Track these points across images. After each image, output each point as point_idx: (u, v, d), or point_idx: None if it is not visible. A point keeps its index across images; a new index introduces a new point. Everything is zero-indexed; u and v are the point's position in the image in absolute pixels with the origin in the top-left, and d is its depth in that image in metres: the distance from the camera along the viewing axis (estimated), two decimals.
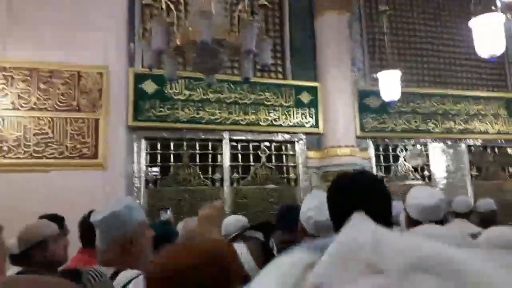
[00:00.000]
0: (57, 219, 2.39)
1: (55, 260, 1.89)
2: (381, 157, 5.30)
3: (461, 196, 3.75)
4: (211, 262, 0.79)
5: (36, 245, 1.84)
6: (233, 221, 2.89)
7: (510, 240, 1.19)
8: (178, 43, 2.42)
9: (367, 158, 5.06)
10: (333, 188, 1.16)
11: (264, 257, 1.21)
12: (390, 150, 5.36)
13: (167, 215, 3.89)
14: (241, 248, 1.15)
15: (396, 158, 5.35)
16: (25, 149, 3.67)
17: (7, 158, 3.63)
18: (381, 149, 5.33)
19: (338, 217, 1.10)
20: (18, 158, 3.65)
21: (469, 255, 0.27)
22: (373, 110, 5.19)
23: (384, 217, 1.05)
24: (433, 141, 5.49)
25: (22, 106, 3.74)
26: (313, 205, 1.49)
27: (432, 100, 5.51)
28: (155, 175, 4.31)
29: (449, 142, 5.58)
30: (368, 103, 5.16)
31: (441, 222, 1.60)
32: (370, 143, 5.21)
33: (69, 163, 3.76)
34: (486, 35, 2.91)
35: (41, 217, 2.57)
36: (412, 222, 1.63)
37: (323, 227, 1.41)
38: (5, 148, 3.63)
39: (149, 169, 4.27)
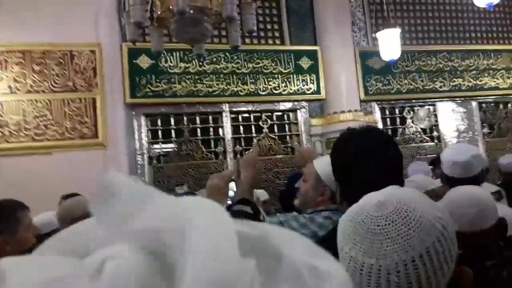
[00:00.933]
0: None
1: None
2: (388, 120, 5.17)
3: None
4: None
5: (82, 216, 1.80)
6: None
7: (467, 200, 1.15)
8: (159, 13, 2.33)
9: (372, 122, 4.94)
10: (337, 146, 1.16)
11: None
12: (397, 113, 5.21)
13: (183, 191, 3.92)
14: None
15: (403, 120, 5.21)
16: (26, 133, 3.70)
17: (9, 142, 3.67)
18: (387, 112, 5.19)
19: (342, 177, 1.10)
20: (20, 141, 3.69)
21: None
22: (376, 71, 5.01)
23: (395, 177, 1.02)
24: (441, 100, 5.31)
25: (19, 90, 3.74)
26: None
27: (438, 57, 5.28)
28: (168, 150, 4.29)
29: (459, 100, 5.39)
30: (371, 65, 4.98)
31: (475, 178, 1.56)
32: (376, 106, 5.08)
33: (70, 144, 3.79)
34: None
35: (65, 197, 2.62)
36: (445, 178, 1.63)
37: None
38: (6, 133, 3.67)
39: (154, 146, 4.28)
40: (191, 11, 2.18)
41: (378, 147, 1.06)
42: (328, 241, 0.54)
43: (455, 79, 5.33)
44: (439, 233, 0.61)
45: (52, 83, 3.82)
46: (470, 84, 5.39)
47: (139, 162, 4.12)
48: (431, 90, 5.23)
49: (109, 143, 3.90)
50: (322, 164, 1.46)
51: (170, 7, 2.26)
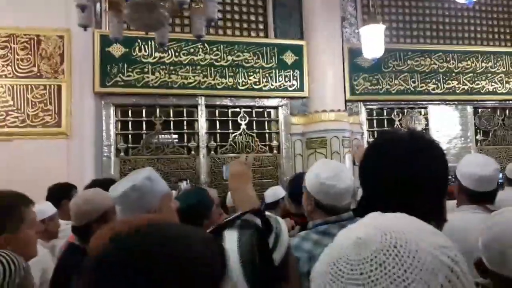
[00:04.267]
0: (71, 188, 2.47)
1: None
2: (374, 122, 4.93)
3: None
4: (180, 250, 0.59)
5: (99, 218, 1.63)
6: (271, 194, 2.81)
7: None
8: None
9: (357, 124, 4.71)
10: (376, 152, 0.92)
11: (255, 253, 0.84)
12: (385, 114, 4.96)
13: (184, 186, 3.74)
14: (231, 239, 0.84)
15: (391, 122, 4.96)
16: None
17: None
18: (374, 113, 4.94)
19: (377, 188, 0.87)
20: None
21: None
22: (365, 70, 4.76)
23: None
24: (433, 103, 5.04)
25: None
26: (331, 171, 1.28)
27: (433, 57, 5.00)
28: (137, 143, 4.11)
29: (452, 104, 5.11)
30: (360, 63, 4.73)
31: (495, 191, 1.55)
32: (362, 107, 4.83)
33: (31, 132, 3.63)
34: None
35: (55, 186, 2.54)
36: (464, 191, 1.56)
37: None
38: None
39: (123, 138, 4.11)
40: None
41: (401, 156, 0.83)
42: None
43: (450, 82, 5.05)
44: (448, 269, 0.43)
45: (16, 68, 3.65)
46: (465, 88, 5.10)
47: (105, 153, 3.96)
48: (423, 92, 4.96)
49: (74, 132, 3.74)
50: (308, 173, 1.35)
51: None
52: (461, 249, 1.45)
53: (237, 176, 1.13)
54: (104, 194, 1.70)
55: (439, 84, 5.01)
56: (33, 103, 3.66)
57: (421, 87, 4.95)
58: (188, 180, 4.03)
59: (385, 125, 4.91)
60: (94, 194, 1.73)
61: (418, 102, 5.00)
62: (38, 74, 3.70)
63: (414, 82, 4.93)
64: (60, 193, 2.47)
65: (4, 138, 3.57)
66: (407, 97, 4.92)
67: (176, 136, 4.26)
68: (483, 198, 1.51)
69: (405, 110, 5.00)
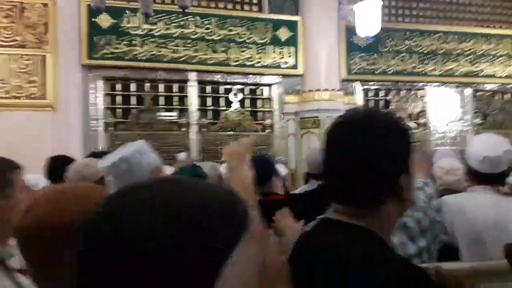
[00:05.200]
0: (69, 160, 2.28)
1: None
2: (371, 103, 4.81)
3: None
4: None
5: (97, 182, 1.61)
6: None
7: None
8: None
9: (352, 104, 4.59)
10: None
11: None
12: (381, 95, 4.85)
13: (181, 158, 3.63)
14: None
15: (388, 104, 4.85)
16: None
17: None
18: (370, 93, 4.83)
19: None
20: None
21: None
22: (362, 49, 4.62)
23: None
24: (431, 85, 4.92)
25: None
26: None
27: (432, 37, 4.86)
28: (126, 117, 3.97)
29: (451, 86, 4.99)
30: (356, 42, 4.58)
31: (503, 174, 1.49)
32: (358, 87, 4.71)
33: (15, 103, 3.52)
34: None
35: (57, 158, 2.35)
36: (471, 172, 1.52)
37: None
38: None
39: (111, 112, 4.00)
40: None
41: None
42: None
43: (449, 63, 4.92)
44: None
45: None
46: (465, 70, 4.98)
47: (92, 127, 3.86)
48: (421, 73, 4.84)
49: (60, 105, 3.63)
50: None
51: None
52: (470, 230, 1.36)
53: (233, 155, 1.12)
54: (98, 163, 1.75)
55: (437, 65, 4.88)
56: (17, 74, 3.54)
57: (419, 68, 4.82)
58: (186, 152, 3.89)
59: (382, 106, 4.80)
60: (92, 161, 1.80)
61: (416, 84, 4.88)
62: (22, 43, 3.57)
63: (412, 63, 4.80)
64: (64, 166, 2.23)
65: None
66: (405, 78, 4.80)
67: (169, 113, 4.14)
68: (490, 180, 1.46)
69: (403, 91, 4.88)
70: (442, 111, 4.95)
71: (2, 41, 3.53)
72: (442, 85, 4.94)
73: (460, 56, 4.96)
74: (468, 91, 5.05)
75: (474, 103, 5.08)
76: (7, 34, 3.54)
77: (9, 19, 3.55)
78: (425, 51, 4.84)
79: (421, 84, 4.89)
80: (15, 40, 3.56)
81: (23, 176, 1.24)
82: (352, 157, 0.72)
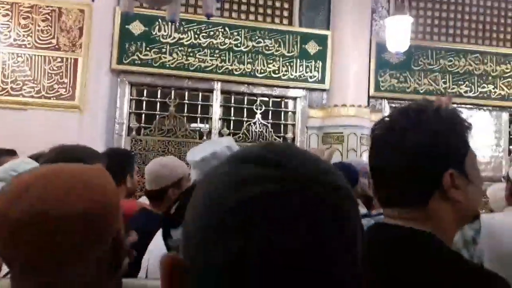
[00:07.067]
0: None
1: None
2: None
3: None
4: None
5: (174, 183, 1.67)
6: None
7: None
8: None
9: None
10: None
11: None
12: None
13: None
14: None
15: None
16: (3, 86, 3.60)
17: None
18: None
19: None
20: None
21: None
22: (393, 66, 4.49)
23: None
24: (465, 107, 4.70)
25: (1, 42, 3.64)
26: None
27: (469, 58, 4.66)
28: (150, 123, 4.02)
29: (486, 109, 4.75)
30: (387, 58, 4.47)
31: None
32: (386, 104, 4.57)
33: (45, 103, 3.65)
34: None
35: (117, 151, 2.35)
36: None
37: None
38: None
39: (136, 117, 4.07)
40: None
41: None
42: None
43: (485, 85, 4.69)
44: None
45: (36, 39, 3.68)
46: (502, 93, 4.73)
47: (116, 131, 3.93)
48: (454, 94, 4.63)
49: (87, 107, 3.73)
50: None
51: None
52: (497, 252, 1.26)
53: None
54: (180, 162, 1.78)
55: (473, 87, 4.67)
56: (50, 75, 3.67)
57: (453, 88, 4.62)
58: None
59: None
60: (172, 160, 1.77)
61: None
62: (57, 46, 3.70)
63: (445, 83, 4.61)
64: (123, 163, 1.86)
65: (19, 107, 3.61)
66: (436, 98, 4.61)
67: (188, 119, 4.17)
68: None
69: None
70: (475, 135, 4.69)
71: (39, 43, 3.68)
72: (476, 107, 4.72)
73: (497, 78, 4.72)
74: (505, 115, 4.79)
75: (510, 128, 4.81)
76: (44, 36, 3.69)
77: (46, 22, 3.70)
78: (460, 71, 4.64)
79: (454, 105, 4.68)
80: (51, 43, 3.70)
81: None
82: (399, 158, 0.71)
